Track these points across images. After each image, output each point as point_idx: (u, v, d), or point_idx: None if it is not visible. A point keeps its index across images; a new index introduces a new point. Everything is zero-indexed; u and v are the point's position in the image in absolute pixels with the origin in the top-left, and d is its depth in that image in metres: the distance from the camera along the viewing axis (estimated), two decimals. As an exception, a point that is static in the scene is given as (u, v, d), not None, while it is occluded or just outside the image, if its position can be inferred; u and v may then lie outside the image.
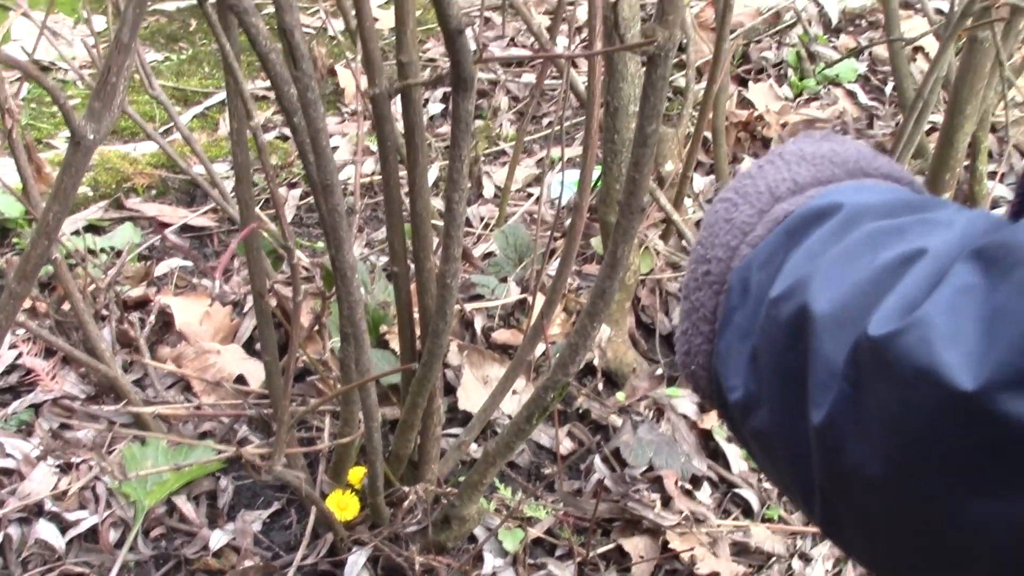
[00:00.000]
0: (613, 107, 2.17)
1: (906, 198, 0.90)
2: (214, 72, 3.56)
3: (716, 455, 2.43)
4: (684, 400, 2.47)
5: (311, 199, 2.91)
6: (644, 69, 1.71)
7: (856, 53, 3.75)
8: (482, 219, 2.97)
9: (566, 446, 2.43)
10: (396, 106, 1.91)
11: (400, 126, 1.95)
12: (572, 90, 2.42)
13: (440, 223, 1.92)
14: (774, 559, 2.24)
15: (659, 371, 2.60)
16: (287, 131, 3.06)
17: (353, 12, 1.85)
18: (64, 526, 2.14)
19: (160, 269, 2.74)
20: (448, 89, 3.21)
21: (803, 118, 3.31)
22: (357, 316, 1.87)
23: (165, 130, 3.16)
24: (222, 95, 3.42)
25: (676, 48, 1.77)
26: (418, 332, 2.07)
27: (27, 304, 2.46)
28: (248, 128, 1.90)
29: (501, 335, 2.59)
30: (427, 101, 3.46)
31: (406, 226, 2.01)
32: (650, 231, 2.74)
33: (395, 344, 2.30)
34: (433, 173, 3.08)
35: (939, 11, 3.94)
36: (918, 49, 3.50)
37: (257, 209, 2.14)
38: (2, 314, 1.67)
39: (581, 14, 3.23)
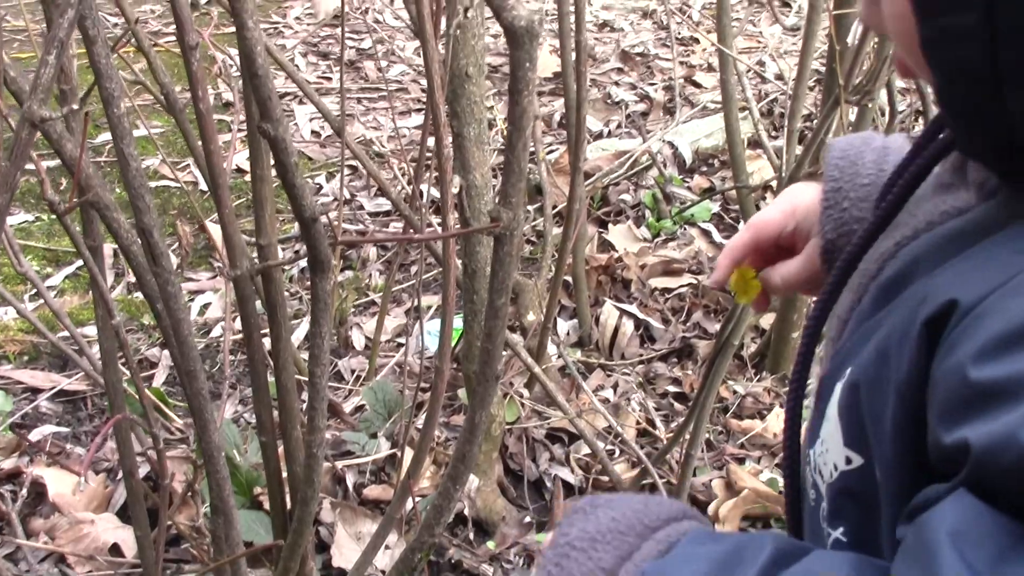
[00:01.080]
0: (471, 269, 2.24)
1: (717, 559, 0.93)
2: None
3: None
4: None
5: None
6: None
7: (709, 195, 3.86)
8: (353, 372, 3.01)
9: (442, 601, 2.45)
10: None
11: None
12: (431, 253, 2.50)
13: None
14: None
15: (527, 518, 2.64)
16: None
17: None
18: None
19: (34, 435, 2.74)
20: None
21: (660, 259, 3.39)
22: (225, 493, 1.91)
23: (34, 293, 3.17)
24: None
25: (521, 225, 1.86)
26: (287, 494, 2.12)
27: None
28: (111, 326, 1.95)
29: (372, 491, 2.62)
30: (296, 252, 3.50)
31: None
32: (516, 379, 2.81)
33: (268, 504, 2.32)
34: (303, 328, 3.11)
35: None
36: (767, 188, 3.60)
37: (125, 383, 2.17)
38: None
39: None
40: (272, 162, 1.79)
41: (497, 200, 1.76)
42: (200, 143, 1.86)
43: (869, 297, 0.96)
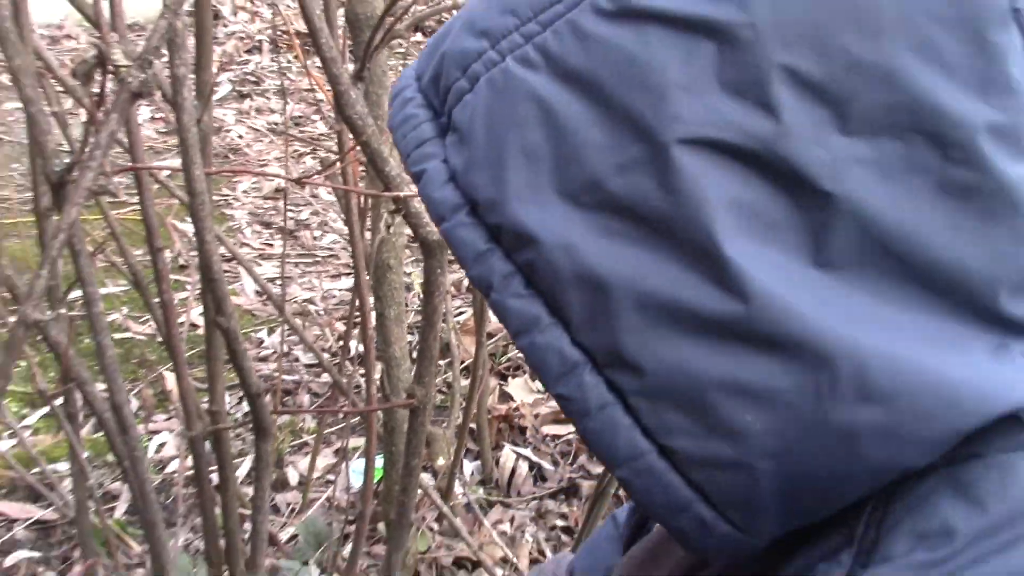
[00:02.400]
0: (391, 427, 2.33)
1: None
2: (54, 378, 3.61)
3: None
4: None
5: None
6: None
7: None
8: (288, 504, 3.04)
9: None
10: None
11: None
12: (357, 412, 2.58)
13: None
14: None
15: (436, 636, 2.71)
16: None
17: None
18: None
19: (8, 560, 2.76)
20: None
21: (551, 409, 3.46)
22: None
23: (11, 433, 3.19)
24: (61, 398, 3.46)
25: (432, 400, 1.95)
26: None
27: None
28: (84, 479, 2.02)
29: (308, 610, 2.67)
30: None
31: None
32: (427, 514, 2.88)
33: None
34: (247, 465, 3.15)
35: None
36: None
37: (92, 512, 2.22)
38: None
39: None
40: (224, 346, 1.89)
41: (414, 378, 1.86)
42: (160, 311, 1.95)
43: None
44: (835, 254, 0.66)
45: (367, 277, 2.10)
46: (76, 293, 2.30)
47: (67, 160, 1.62)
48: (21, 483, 3.03)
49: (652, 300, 0.66)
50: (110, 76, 1.43)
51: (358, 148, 1.68)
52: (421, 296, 2.86)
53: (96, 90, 1.47)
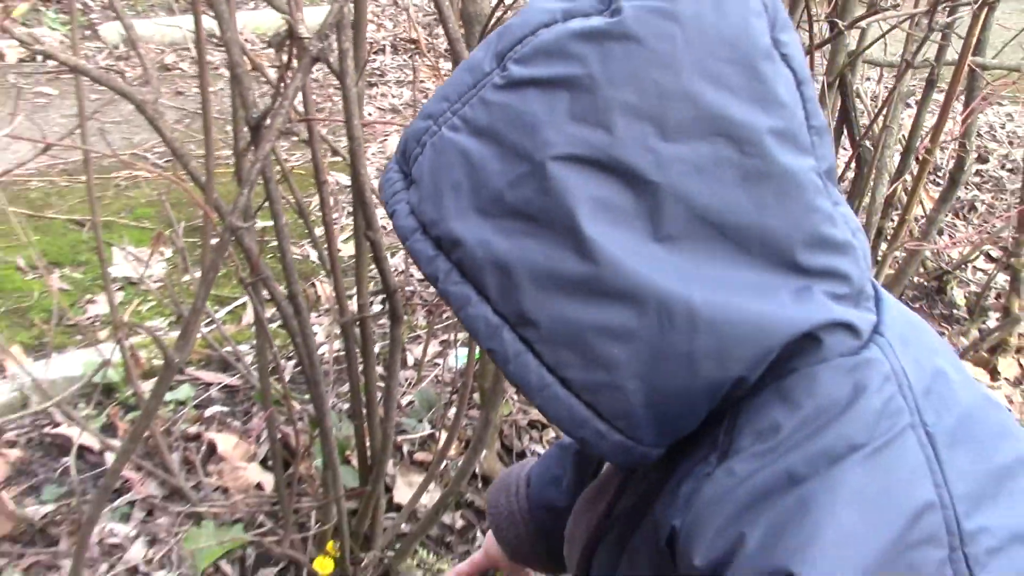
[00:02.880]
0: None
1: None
2: (238, 285, 3.63)
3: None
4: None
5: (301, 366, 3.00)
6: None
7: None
8: (406, 380, 3.07)
9: (460, 524, 2.51)
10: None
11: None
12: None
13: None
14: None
15: (514, 475, 2.72)
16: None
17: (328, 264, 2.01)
18: (151, 581, 2.20)
19: (208, 412, 2.81)
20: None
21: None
22: (333, 454, 1.99)
23: (208, 322, 3.24)
24: (243, 299, 3.49)
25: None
26: (368, 456, 2.19)
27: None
28: (270, 354, 2.03)
29: (420, 456, 2.69)
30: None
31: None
32: (509, 387, 2.89)
33: (354, 462, 2.38)
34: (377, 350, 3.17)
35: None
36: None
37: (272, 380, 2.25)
38: (119, 461, 1.79)
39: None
40: (370, 255, 1.89)
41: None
42: (322, 235, 1.96)
43: (613, 542, 0.99)
44: (669, 230, 0.74)
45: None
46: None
47: (261, 109, 1.63)
48: (215, 357, 3.07)
49: (540, 273, 0.75)
50: (295, 46, 1.43)
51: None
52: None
53: (285, 56, 1.47)
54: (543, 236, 0.76)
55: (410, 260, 3.85)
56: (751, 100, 0.76)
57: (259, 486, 2.50)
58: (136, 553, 2.24)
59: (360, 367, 2.07)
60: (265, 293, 1.91)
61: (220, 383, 2.95)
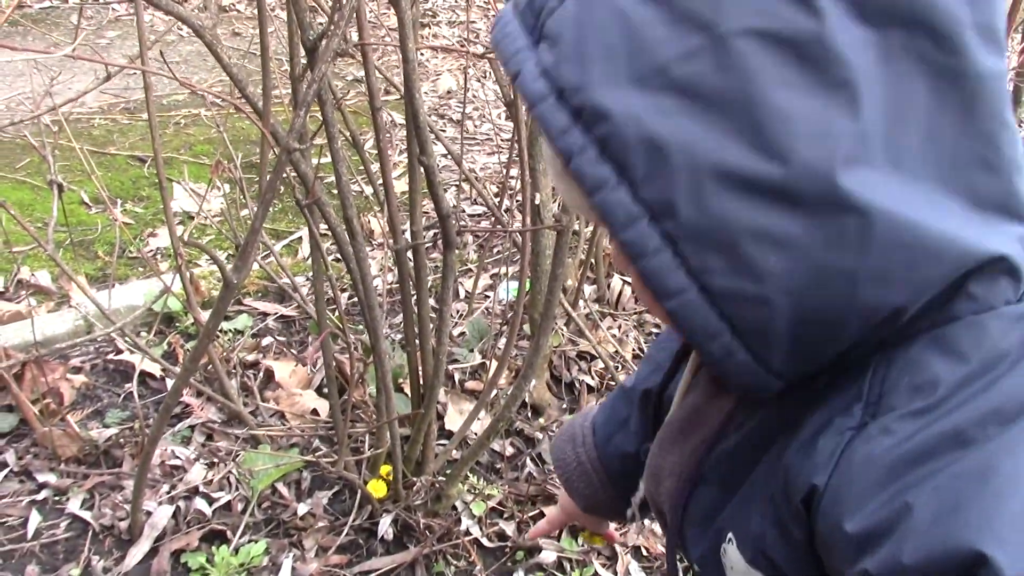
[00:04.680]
0: (536, 251, 2.27)
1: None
2: (294, 219, 3.63)
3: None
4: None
5: (354, 298, 2.98)
6: (555, 236, 1.84)
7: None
8: (457, 311, 3.04)
9: (509, 451, 2.49)
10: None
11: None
12: (513, 243, 2.54)
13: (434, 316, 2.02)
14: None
15: (564, 405, 2.68)
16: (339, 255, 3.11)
17: (383, 195, 1.97)
18: (211, 501, 2.20)
19: (265, 341, 2.81)
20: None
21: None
22: (387, 379, 1.97)
23: (265, 256, 3.23)
24: (299, 233, 3.49)
25: (572, 225, 1.90)
26: (420, 384, 2.17)
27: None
28: (325, 278, 2.01)
29: (470, 384, 2.66)
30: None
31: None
32: (559, 320, 2.85)
33: (407, 389, 2.37)
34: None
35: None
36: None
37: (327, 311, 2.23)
38: (179, 381, 1.78)
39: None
40: (423, 180, 1.85)
41: (559, 208, 1.80)
42: (377, 167, 1.92)
43: (714, 482, 0.88)
44: (862, 128, 0.63)
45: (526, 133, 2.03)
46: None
47: (317, 31, 1.58)
48: (272, 288, 3.06)
49: (703, 162, 0.64)
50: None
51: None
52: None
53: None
54: (716, 122, 0.63)
55: (463, 195, 3.84)
56: None
57: (315, 412, 2.49)
58: (196, 475, 2.24)
59: (413, 296, 2.04)
60: (322, 226, 1.87)
61: (276, 313, 2.94)
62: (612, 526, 1.47)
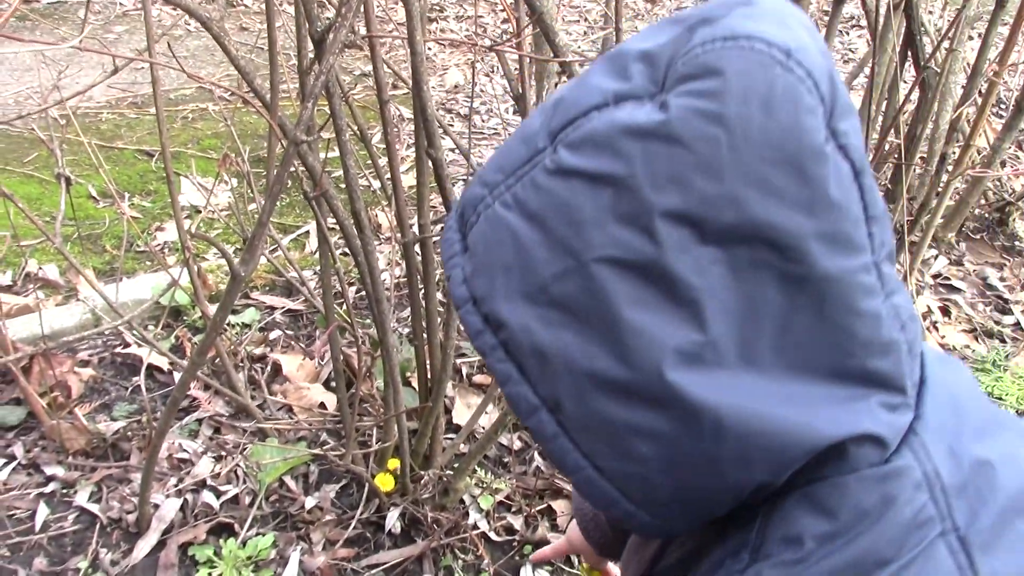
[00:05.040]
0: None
1: None
2: (301, 213, 3.63)
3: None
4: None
5: (362, 292, 2.97)
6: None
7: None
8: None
9: (517, 445, 2.47)
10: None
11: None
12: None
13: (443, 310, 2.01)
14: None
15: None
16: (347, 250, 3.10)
17: (391, 189, 1.96)
18: (218, 494, 2.19)
19: (272, 335, 2.80)
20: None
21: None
22: (395, 373, 1.96)
23: (272, 249, 3.21)
24: (306, 228, 3.48)
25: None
26: (428, 378, 2.16)
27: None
28: (333, 271, 2.00)
29: (478, 378, 2.65)
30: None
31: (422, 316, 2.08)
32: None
33: (415, 383, 2.36)
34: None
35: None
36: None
37: (334, 304, 2.22)
38: (187, 374, 1.78)
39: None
40: (431, 173, 1.84)
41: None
42: (385, 161, 1.91)
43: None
44: (709, 335, 0.72)
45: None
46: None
47: (326, 23, 1.57)
48: (280, 283, 3.05)
49: (578, 368, 0.74)
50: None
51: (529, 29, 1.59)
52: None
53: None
54: (583, 333, 0.74)
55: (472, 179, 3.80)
56: (797, 204, 0.72)
57: (322, 405, 2.48)
58: (204, 468, 2.24)
59: (421, 291, 2.03)
60: (330, 220, 1.86)
61: (284, 307, 2.93)
62: (611, 565, 1.63)
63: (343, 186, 1.73)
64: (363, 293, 2.95)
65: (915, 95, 2.62)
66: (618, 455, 0.76)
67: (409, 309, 2.62)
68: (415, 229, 1.97)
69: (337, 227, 1.89)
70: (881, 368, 0.78)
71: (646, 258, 0.71)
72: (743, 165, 0.70)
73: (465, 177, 3.75)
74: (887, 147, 2.69)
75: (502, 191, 0.79)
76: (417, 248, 1.99)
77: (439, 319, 2.08)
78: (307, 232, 3.45)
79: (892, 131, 2.58)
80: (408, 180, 3.32)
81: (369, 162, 3.72)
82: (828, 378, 0.76)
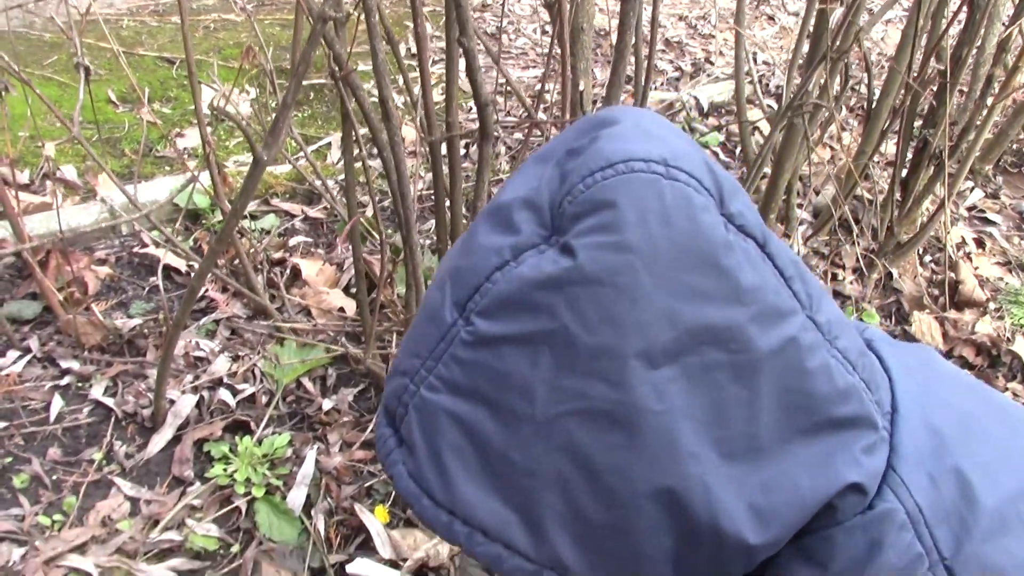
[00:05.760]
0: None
1: None
2: (323, 125, 3.58)
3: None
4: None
5: (383, 203, 2.93)
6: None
7: (718, 128, 3.78)
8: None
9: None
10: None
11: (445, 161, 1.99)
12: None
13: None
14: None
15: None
16: (369, 159, 3.05)
17: (418, 89, 1.90)
18: (235, 392, 2.17)
19: (292, 241, 2.77)
20: (472, 140, 3.23)
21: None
22: (418, 273, 1.92)
23: (296, 156, 3.17)
24: (328, 139, 3.43)
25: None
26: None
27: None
28: (356, 160, 1.94)
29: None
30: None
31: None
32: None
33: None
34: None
35: (770, 106, 3.99)
36: (756, 128, 3.52)
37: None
38: (206, 262, 1.74)
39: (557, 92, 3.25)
40: (462, 67, 1.78)
41: (600, 104, 1.73)
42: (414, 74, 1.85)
43: None
44: (687, 449, 0.74)
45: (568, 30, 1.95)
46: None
47: None
48: (300, 190, 3.01)
49: (567, 520, 0.77)
50: None
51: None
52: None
53: None
54: (563, 489, 0.75)
55: (498, 108, 3.76)
56: (724, 298, 0.73)
57: (341, 311, 2.45)
58: (220, 367, 2.22)
59: (447, 197, 1.98)
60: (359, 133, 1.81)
61: (304, 215, 2.89)
62: None
63: (371, 54, 1.66)
64: (385, 204, 2.90)
65: (962, 15, 2.53)
66: None
67: (433, 222, 2.58)
68: (443, 128, 1.92)
69: (361, 121, 1.83)
70: (846, 413, 0.80)
71: (607, 401, 0.72)
72: (664, 281, 0.71)
73: (494, 89, 3.67)
74: (930, 71, 2.60)
75: (424, 375, 0.77)
76: (444, 151, 1.94)
77: (464, 222, 2.04)
78: (329, 144, 3.40)
79: (935, 55, 2.50)
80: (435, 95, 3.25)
81: (395, 75, 3.66)
82: (802, 441, 0.78)
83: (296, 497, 1.92)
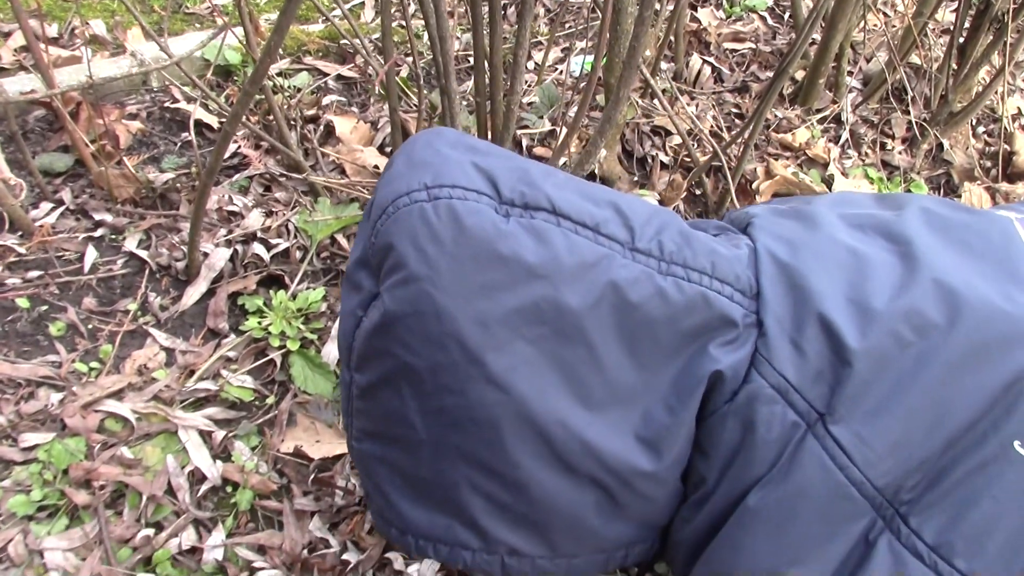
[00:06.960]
0: (617, 8, 2.14)
1: None
2: (357, -16, 3.48)
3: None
4: (649, 198, 2.47)
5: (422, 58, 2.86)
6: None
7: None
8: (527, 83, 2.92)
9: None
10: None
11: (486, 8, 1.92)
12: (593, 5, 2.38)
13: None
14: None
15: (635, 178, 2.59)
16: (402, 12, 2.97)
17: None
18: (269, 247, 2.16)
19: (325, 100, 2.71)
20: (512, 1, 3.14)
21: (731, 31, 3.22)
22: (456, 122, 1.88)
23: (331, 12, 3.08)
24: (362, -2, 3.34)
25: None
26: (489, 140, 2.07)
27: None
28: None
29: (539, 150, 2.56)
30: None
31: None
32: (633, 93, 2.72)
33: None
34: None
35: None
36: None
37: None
38: (239, 105, 1.69)
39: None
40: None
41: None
42: None
43: None
44: (553, 405, 0.86)
45: None
46: None
47: None
48: (332, 48, 2.94)
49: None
50: None
51: None
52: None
53: None
54: (475, 488, 0.88)
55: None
56: (517, 281, 0.82)
57: (376, 168, 2.41)
58: (254, 221, 2.19)
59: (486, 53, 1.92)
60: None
61: (336, 73, 2.83)
62: None
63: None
64: (422, 64, 2.83)
65: None
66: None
67: (471, 81, 2.51)
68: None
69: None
70: (694, 323, 0.85)
71: (461, 408, 0.81)
72: (457, 290, 0.76)
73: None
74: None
75: (350, 429, 0.92)
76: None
77: (503, 76, 1.97)
78: (362, 3, 3.30)
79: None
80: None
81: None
82: (664, 364, 0.83)
83: (331, 351, 1.92)
